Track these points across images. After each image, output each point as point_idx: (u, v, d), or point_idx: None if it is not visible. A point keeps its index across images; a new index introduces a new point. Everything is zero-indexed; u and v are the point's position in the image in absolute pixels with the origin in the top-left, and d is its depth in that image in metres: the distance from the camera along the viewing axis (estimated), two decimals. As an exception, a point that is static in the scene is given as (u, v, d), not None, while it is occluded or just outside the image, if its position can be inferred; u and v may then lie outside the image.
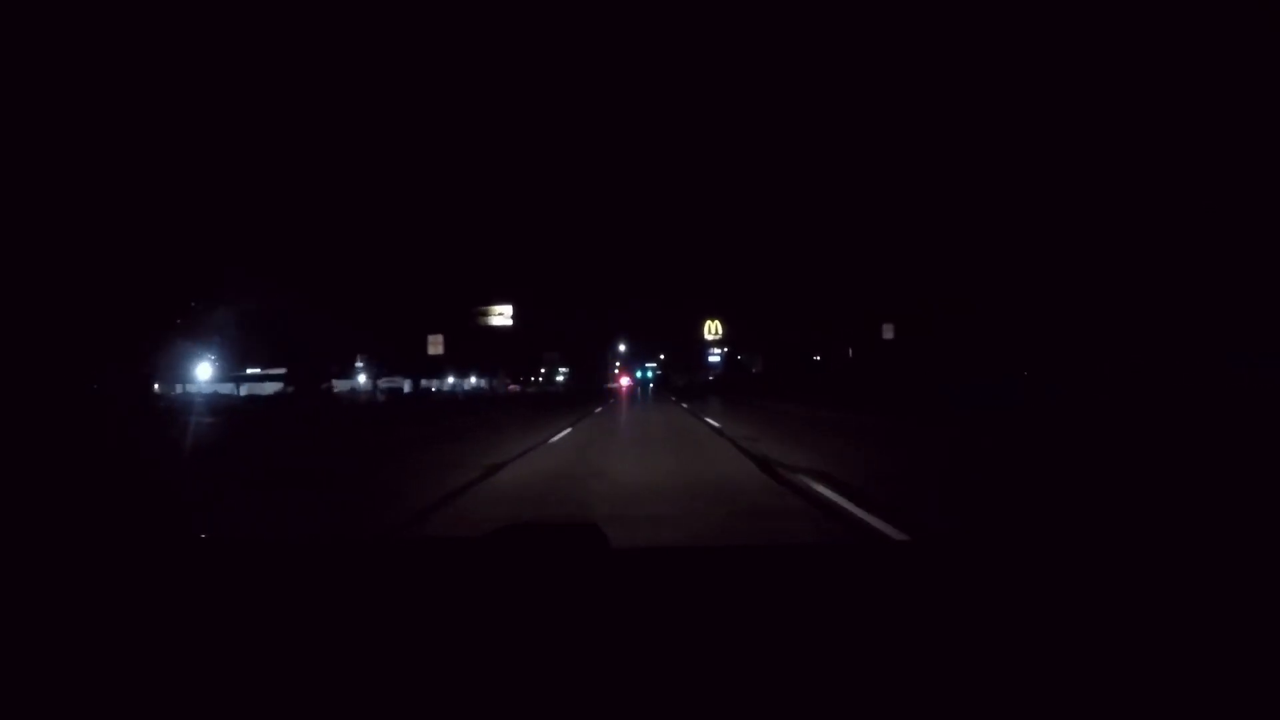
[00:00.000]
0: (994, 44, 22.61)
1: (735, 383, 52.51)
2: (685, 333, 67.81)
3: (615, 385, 69.95)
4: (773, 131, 46.90)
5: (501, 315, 43.13)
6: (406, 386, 44.76)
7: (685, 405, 21.49)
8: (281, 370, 40.45)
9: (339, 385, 37.39)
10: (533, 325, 48.59)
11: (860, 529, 3.89)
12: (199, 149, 27.00)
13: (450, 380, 50.29)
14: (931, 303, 29.14)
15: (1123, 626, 0.93)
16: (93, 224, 21.05)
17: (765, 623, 0.97)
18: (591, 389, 58.87)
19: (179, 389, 33.16)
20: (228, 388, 38.03)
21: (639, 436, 11.11)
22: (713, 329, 65.53)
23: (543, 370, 78.53)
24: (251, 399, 29.72)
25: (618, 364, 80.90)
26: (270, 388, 37.61)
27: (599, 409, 19.83)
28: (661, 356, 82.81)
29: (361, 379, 37.81)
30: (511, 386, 54.99)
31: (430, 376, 50.03)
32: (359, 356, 45.02)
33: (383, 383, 42.02)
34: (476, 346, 45.62)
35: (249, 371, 40.59)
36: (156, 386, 30.49)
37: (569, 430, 12.26)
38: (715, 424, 12.92)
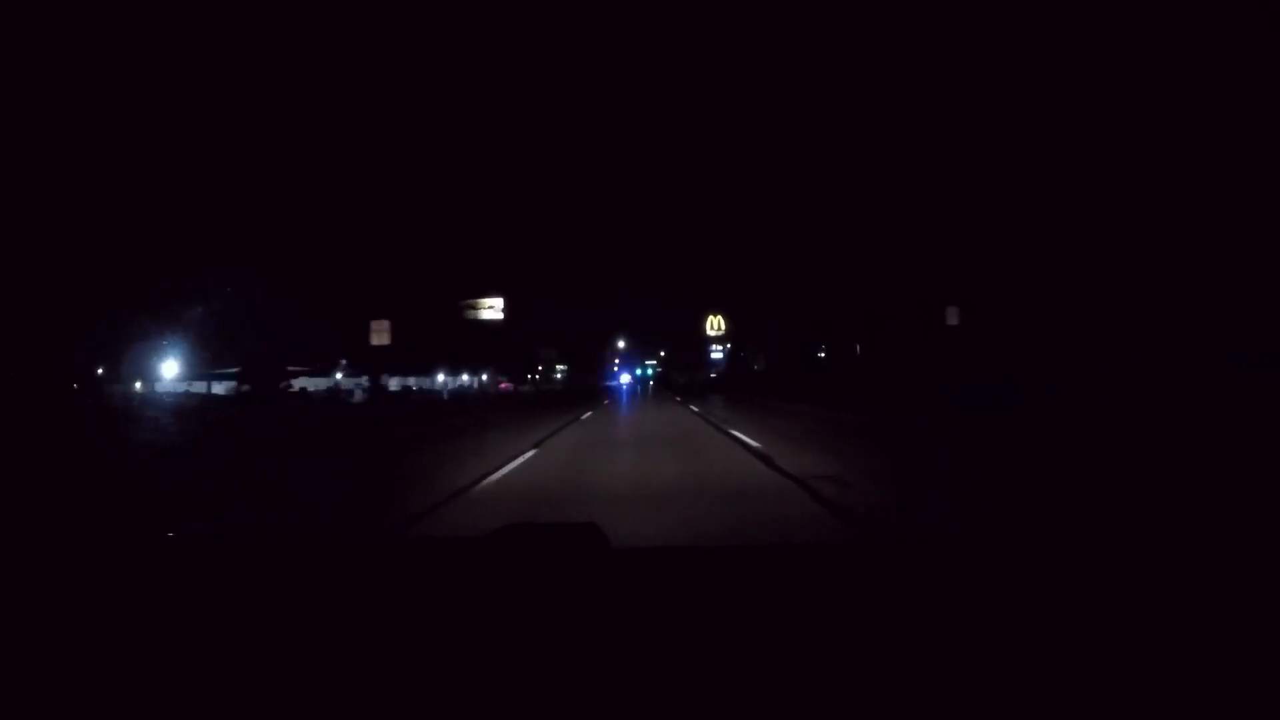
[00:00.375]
0: (993, 44, 22.63)
1: (738, 381, 50.28)
2: (686, 329, 65.96)
3: (615, 383, 68.47)
4: (776, 122, 44.57)
5: (491, 309, 40.68)
6: (394, 385, 42.44)
7: (695, 408, 19.04)
8: (299, 368, 38.40)
9: (317, 384, 34.99)
10: (526, 320, 46.10)
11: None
12: (167, 126, 25.10)
13: (441, 378, 47.87)
14: (931, 302, 29.21)
15: (1123, 626, 0.93)
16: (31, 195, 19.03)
17: (765, 623, 0.97)
18: (590, 387, 56.37)
19: (140, 386, 30.92)
20: (200, 386, 35.78)
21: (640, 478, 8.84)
22: (715, 324, 63.38)
23: (539, 368, 76.24)
24: (205, 398, 27.42)
25: (617, 361, 79.00)
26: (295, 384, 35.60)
27: (588, 413, 17.44)
28: (662, 353, 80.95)
29: (340, 377, 35.36)
30: (504, 385, 52.14)
31: (421, 374, 47.77)
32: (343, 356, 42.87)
33: (366, 380, 39.66)
34: (467, 342, 43.16)
35: (231, 370, 38.31)
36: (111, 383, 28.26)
37: (561, 433, 11.16)
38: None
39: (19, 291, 19.48)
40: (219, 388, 35.67)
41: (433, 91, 41.56)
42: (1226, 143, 16.18)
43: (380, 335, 31.68)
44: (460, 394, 37.70)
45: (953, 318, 27.69)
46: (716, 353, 65.13)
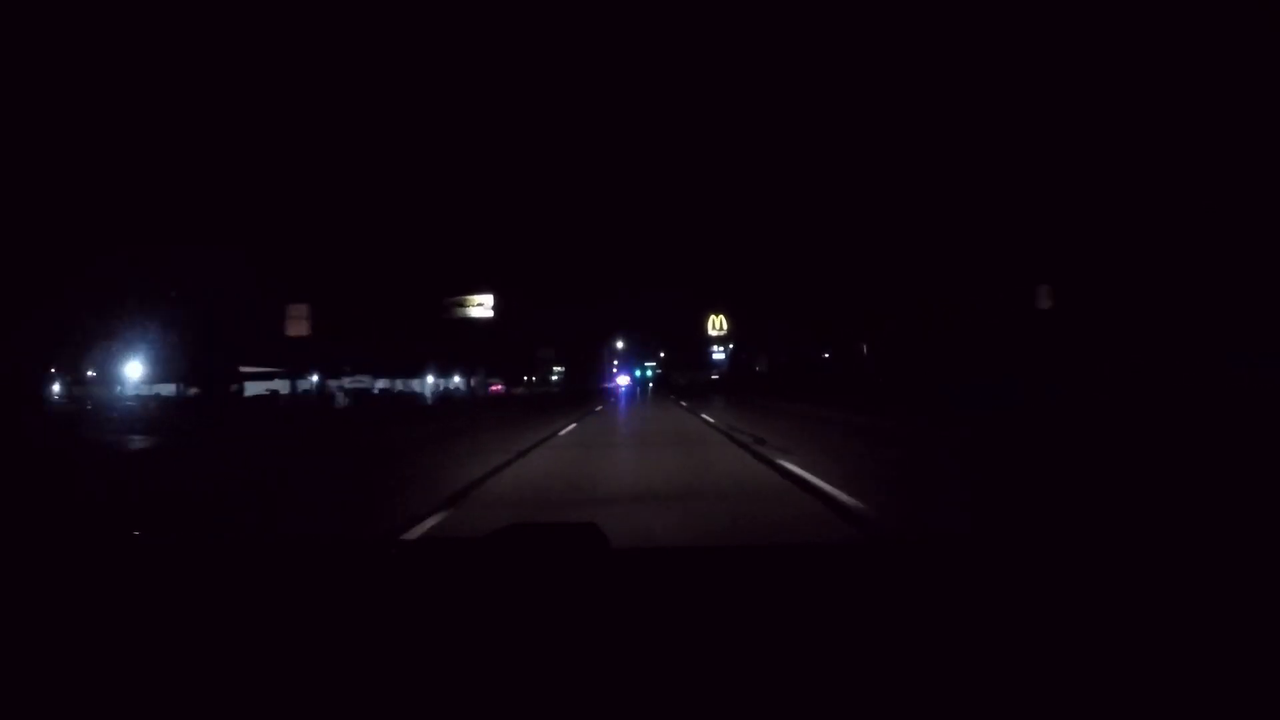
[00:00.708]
0: (994, 45, 22.83)
1: (741, 382, 48.20)
2: (687, 329, 64.09)
3: (613, 385, 66.93)
4: (779, 116, 42.78)
5: (481, 306, 38.44)
6: (378, 387, 40.19)
7: (707, 415, 16.79)
8: (264, 369, 36.16)
9: (290, 386, 32.77)
10: (524, 320, 43.95)
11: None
12: (133, 105, 23.26)
13: (431, 380, 45.62)
14: (932, 302, 29.13)
15: (1124, 627, 0.93)
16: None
17: (766, 623, 0.96)
18: (587, 390, 54.08)
19: (99, 389, 28.78)
20: (171, 389, 33.57)
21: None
22: (717, 324, 61.50)
23: (537, 370, 74.03)
24: (146, 402, 25.24)
25: (615, 362, 77.09)
26: (254, 388, 33.27)
27: (577, 421, 15.16)
28: (661, 354, 79.03)
29: (314, 378, 33.11)
30: (495, 387, 49.55)
31: (409, 376, 45.51)
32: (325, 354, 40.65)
33: (348, 382, 37.48)
34: (455, 342, 40.87)
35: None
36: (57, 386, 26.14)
37: (545, 445, 9.32)
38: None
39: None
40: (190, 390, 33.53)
41: (420, 76, 39.44)
42: (1227, 143, 16.17)
43: (298, 324, 28.26)
44: (445, 397, 35.25)
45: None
46: (718, 353, 63.01)
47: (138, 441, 11.87)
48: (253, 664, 0.85)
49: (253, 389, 32.31)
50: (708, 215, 66.86)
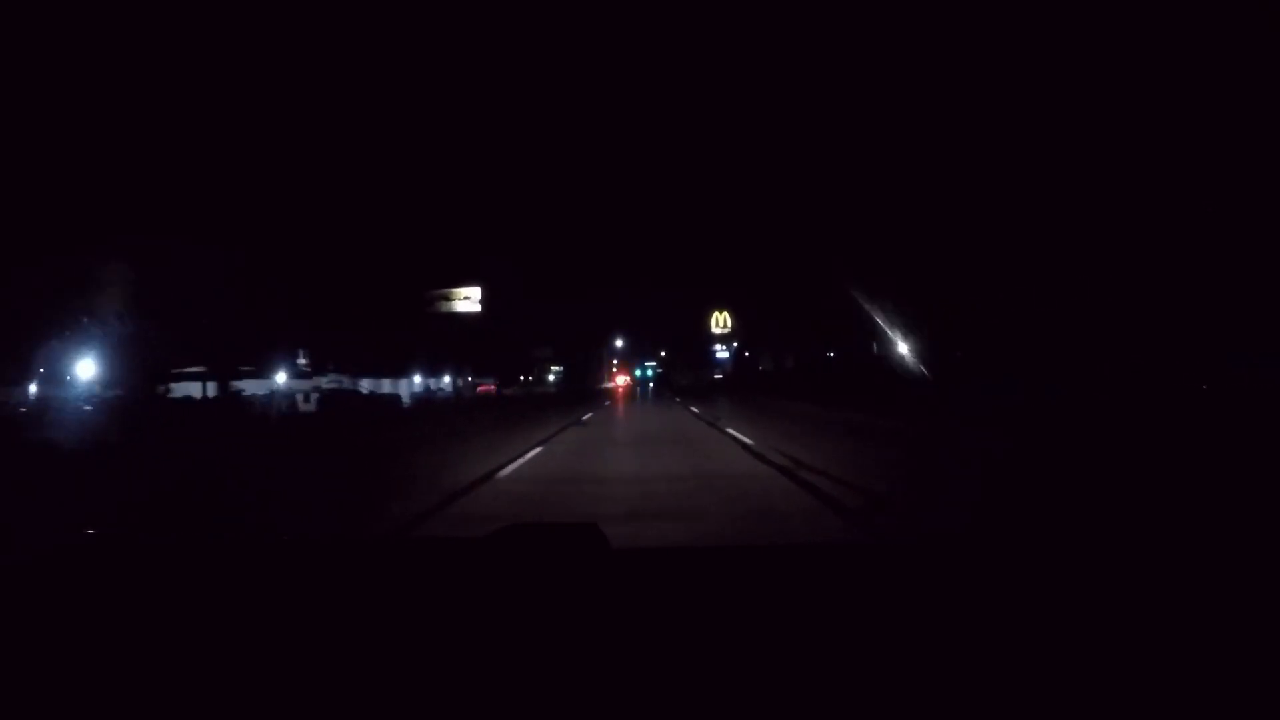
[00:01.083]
0: (995, 44, 22.60)
1: (746, 382, 45.56)
2: (689, 327, 61.58)
3: (612, 385, 64.74)
4: (784, 104, 40.25)
5: (468, 299, 35.66)
6: (364, 387, 37.37)
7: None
8: (200, 369, 33.32)
9: (259, 386, 30.00)
10: (508, 313, 41.13)
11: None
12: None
13: (418, 380, 42.82)
14: (932, 302, 28.40)
15: (1126, 628, 0.92)
16: None
17: (767, 624, 0.96)
18: (585, 390, 51.26)
19: (48, 389, 26.06)
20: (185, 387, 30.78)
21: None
22: (720, 321, 58.97)
23: (534, 369, 71.32)
24: (87, 403, 22.59)
25: (615, 362, 74.65)
26: (190, 388, 30.42)
27: (570, 427, 12.66)
28: (663, 354, 76.60)
29: (281, 379, 30.27)
30: (484, 387, 46.49)
31: (397, 375, 42.69)
32: (300, 351, 37.88)
33: (326, 382, 34.73)
34: (441, 339, 38.08)
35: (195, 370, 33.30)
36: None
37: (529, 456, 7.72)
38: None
39: None
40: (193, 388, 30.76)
41: (402, 53, 36.76)
42: (1226, 142, 16.07)
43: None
44: (426, 398, 32.42)
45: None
46: (722, 352, 60.29)
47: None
48: (253, 665, 0.85)
49: (211, 389, 29.59)
50: (711, 208, 64.14)
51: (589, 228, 70.61)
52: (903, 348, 31.13)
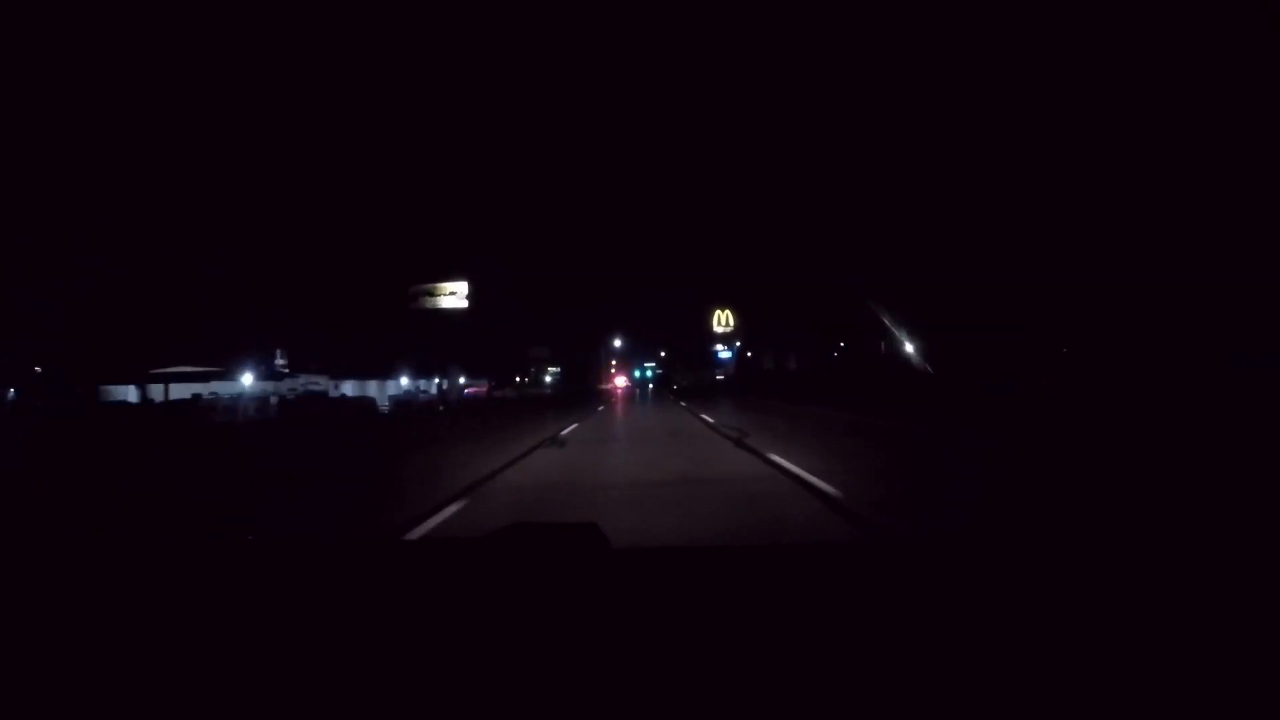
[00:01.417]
0: (998, 43, 23.15)
1: (752, 383, 43.38)
2: (691, 326, 59.52)
3: (610, 386, 62.84)
4: (789, 97, 38.59)
5: (454, 295, 33.40)
6: (350, 389, 35.14)
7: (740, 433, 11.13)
8: (192, 369, 31.21)
9: (229, 388, 27.77)
10: (499, 311, 38.84)
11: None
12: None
13: (404, 381, 40.57)
14: (938, 300, 28.33)
15: (1129, 629, 0.92)
16: None
17: (767, 624, 0.96)
18: (580, 392, 48.98)
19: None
20: (124, 391, 28.63)
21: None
22: (723, 320, 56.76)
23: (528, 370, 69.12)
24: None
25: (614, 362, 72.59)
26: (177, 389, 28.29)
27: (540, 448, 9.75)
28: (662, 354, 74.51)
29: (248, 380, 28.02)
30: (471, 389, 43.96)
31: (382, 376, 40.45)
32: (278, 351, 35.69)
33: (301, 383, 32.55)
34: (428, 337, 35.82)
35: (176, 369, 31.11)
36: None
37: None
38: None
39: None
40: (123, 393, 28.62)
41: (386, 39, 34.57)
42: (1226, 143, 16.25)
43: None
44: (406, 401, 30.14)
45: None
46: (725, 352, 58.06)
47: None
48: (255, 665, 0.85)
49: (178, 391, 27.41)
50: (713, 203, 61.89)
51: (586, 222, 68.49)
52: (909, 346, 30.47)
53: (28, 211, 22.00)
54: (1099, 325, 20.22)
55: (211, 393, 28.38)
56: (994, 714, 0.75)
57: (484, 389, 44.94)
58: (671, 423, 13.53)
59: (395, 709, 0.75)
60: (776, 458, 6.72)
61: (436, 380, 41.96)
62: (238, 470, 8.09)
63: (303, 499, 5.55)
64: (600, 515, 2.35)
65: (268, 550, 1.44)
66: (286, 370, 34.72)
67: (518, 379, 65.29)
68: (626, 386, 66.75)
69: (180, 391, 27.20)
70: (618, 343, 72.08)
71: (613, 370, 73.00)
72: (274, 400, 25.88)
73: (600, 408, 19.68)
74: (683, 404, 22.03)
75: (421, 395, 36.25)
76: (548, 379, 70.12)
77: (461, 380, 50.14)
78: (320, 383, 33.22)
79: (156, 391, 28.95)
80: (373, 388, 39.00)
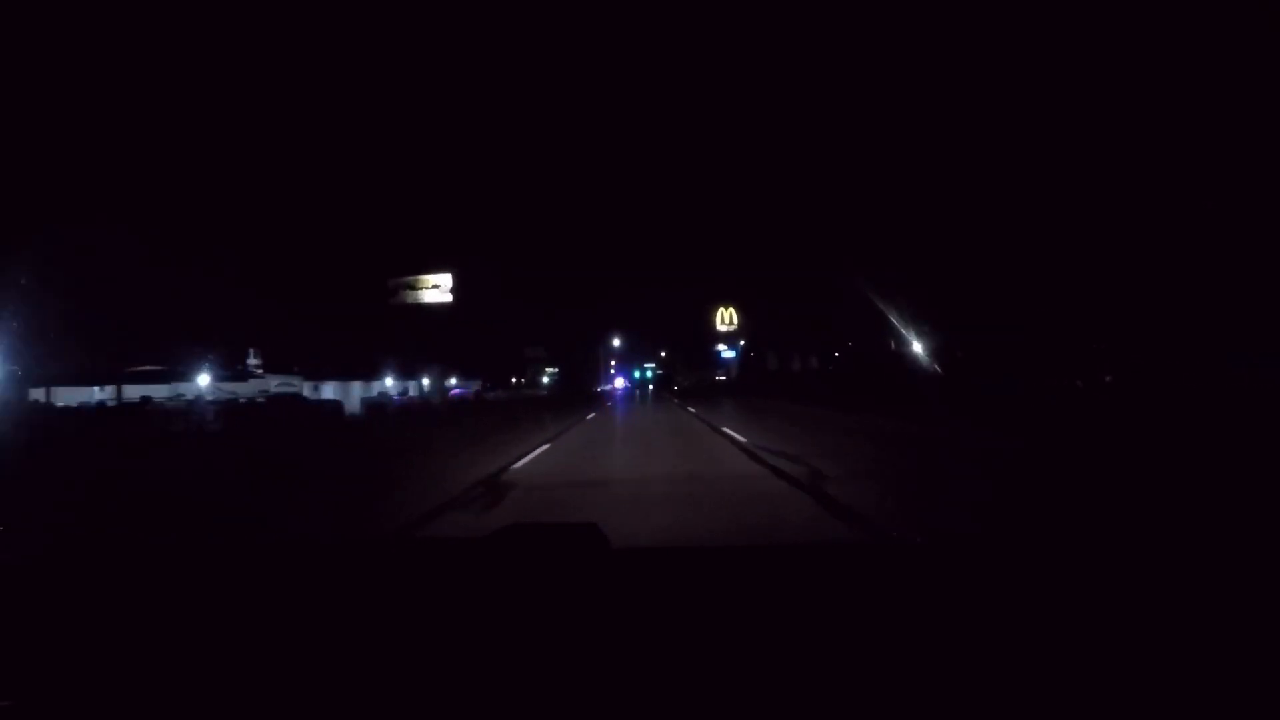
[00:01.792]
0: (1001, 43, 22.39)
1: (756, 384, 41.11)
2: (692, 324, 57.33)
3: (610, 389, 60.93)
4: (793, 88, 36.62)
5: (437, 288, 31.05)
6: (331, 392, 32.78)
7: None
8: (155, 368, 28.90)
9: (182, 390, 25.45)
10: (488, 308, 36.42)
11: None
12: None
13: (389, 382, 38.18)
14: (944, 299, 27.12)
15: (1131, 630, 0.92)
16: None
17: (767, 624, 0.96)
18: (575, 395, 46.57)
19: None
20: (87, 392, 26.32)
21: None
22: (726, 318, 54.57)
23: (524, 371, 66.82)
24: None
25: (613, 362, 70.44)
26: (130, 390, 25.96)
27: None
28: (663, 354, 72.33)
29: (204, 381, 25.62)
30: (457, 390, 41.34)
31: (366, 378, 38.10)
32: (250, 350, 33.37)
33: (274, 384, 30.23)
34: (409, 335, 33.46)
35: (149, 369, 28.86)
36: None
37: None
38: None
39: None
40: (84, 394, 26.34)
41: (382, 45, 32.30)
42: (1227, 142, 16.15)
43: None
44: (380, 405, 27.71)
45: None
46: (729, 351, 55.77)
47: None
48: (256, 664, 0.84)
49: (137, 393, 25.12)
50: (716, 196, 59.50)
51: (584, 218, 66.25)
52: (917, 346, 30.18)
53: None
54: (1098, 326, 19.85)
55: (178, 394, 26.14)
56: (994, 714, 0.75)
57: (469, 390, 42.44)
58: (676, 435, 11.04)
59: (395, 708, 0.75)
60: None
61: (425, 381, 39.52)
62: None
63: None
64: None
65: (268, 550, 1.42)
66: (260, 370, 32.39)
67: (514, 380, 62.99)
68: (626, 387, 64.80)
69: (141, 394, 24.87)
70: (616, 342, 69.85)
71: (612, 370, 70.85)
72: (243, 402, 23.55)
73: (590, 415, 17.10)
74: (691, 410, 19.39)
75: (400, 397, 33.78)
76: (545, 380, 67.78)
77: (453, 381, 47.68)
78: (293, 384, 30.83)
79: (131, 392, 26.74)
80: (357, 389, 36.63)
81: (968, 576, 1.16)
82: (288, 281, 27.68)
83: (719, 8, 34.48)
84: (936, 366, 25.35)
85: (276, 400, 22.81)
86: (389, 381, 38.53)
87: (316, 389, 33.69)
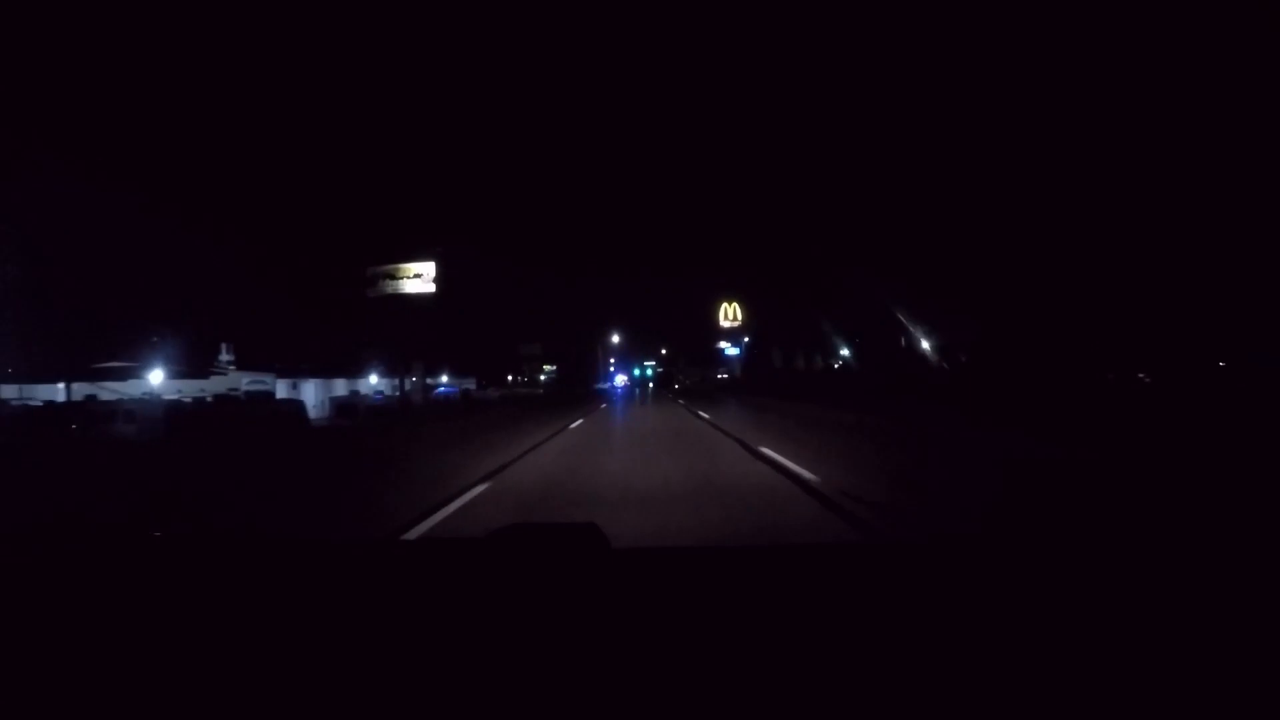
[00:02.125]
0: (1003, 43, 22.60)
1: (763, 383, 39.00)
2: (695, 320, 55.31)
3: (610, 386, 58.97)
4: (796, 78, 35.17)
5: (419, 278, 28.84)
6: (312, 390, 30.58)
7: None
8: (120, 364, 26.75)
9: (140, 389, 23.25)
10: (474, 295, 34.24)
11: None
12: None
13: (374, 380, 35.91)
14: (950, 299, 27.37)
15: (1134, 630, 0.91)
16: None
17: (768, 624, 0.96)
18: (570, 395, 44.34)
19: None
20: (49, 390, 24.15)
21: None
22: (730, 313, 52.44)
23: (521, 368, 64.65)
24: None
25: (611, 360, 68.39)
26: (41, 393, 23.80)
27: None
28: (663, 351, 70.28)
29: (157, 378, 23.41)
30: (442, 389, 38.99)
31: (351, 375, 35.84)
32: (223, 346, 31.13)
33: (245, 382, 28.04)
34: (390, 329, 31.22)
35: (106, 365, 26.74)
36: None
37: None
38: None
39: None
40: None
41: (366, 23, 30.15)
42: (1242, 141, 16.08)
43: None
44: (351, 405, 25.55)
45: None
46: (733, 348, 53.61)
47: None
48: (255, 664, 0.84)
49: (91, 392, 22.94)
50: (720, 189, 57.37)
51: (582, 215, 64.18)
52: (925, 345, 28.81)
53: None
54: (1119, 325, 19.71)
55: (146, 393, 23.95)
56: (994, 714, 0.75)
57: (455, 389, 40.07)
58: (686, 452, 8.67)
59: (395, 709, 0.75)
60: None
61: (403, 380, 37.19)
62: None
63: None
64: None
65: (268, 550, 1.41)
66: (231, 366, 30.16)
67: (510, 378, 60.81)
68: (625, 385, 62.79)
69: (87, 393, 22.67)
70: (615, 339, 67.73)
71: (611, 368, 68.77)
72: (187, 402, 21.30)
73: (579, 421, 14.84)
74: (703, 415, 15.76)
75: (376, 396, 31.50)
76: (542, 377, 65.60)
77: (443, 379, 45.35)
78: (265, 381, 28.60)
79: (89, 391, 24.55)
80: (340, 387, 34.32)
81: (970, 576, 1.15)
82: (260, 269, 25.49)
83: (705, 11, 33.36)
84: (945, 364, 24.69)
85: (226, 401, 20.62)
86: (374, 379, 36.22)
87: (295, 387, 31.42)
